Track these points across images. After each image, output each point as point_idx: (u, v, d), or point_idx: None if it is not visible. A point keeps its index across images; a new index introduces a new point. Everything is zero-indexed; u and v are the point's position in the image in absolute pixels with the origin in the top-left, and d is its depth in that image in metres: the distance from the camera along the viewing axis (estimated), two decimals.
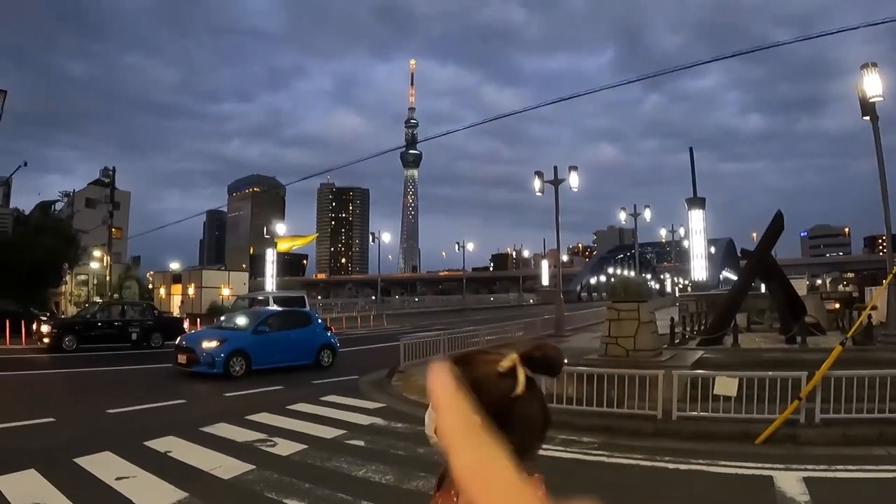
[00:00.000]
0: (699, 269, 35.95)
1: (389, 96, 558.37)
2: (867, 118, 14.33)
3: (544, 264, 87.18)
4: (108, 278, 35.61)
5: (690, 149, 41.11)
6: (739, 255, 54.95)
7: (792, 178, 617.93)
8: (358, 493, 6.53)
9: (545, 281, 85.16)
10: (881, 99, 14.13)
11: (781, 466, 7.20)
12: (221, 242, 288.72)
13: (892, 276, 12.91)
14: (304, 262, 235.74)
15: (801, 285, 22.70)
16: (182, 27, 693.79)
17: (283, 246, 44.91)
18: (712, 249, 54.35)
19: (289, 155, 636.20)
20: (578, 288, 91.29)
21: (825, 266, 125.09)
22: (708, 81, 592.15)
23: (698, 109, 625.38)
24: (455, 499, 1.45)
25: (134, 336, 22.20)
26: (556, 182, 26.37)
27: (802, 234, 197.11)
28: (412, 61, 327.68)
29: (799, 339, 13.28)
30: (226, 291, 40.83)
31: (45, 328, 21.05)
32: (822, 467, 7.17)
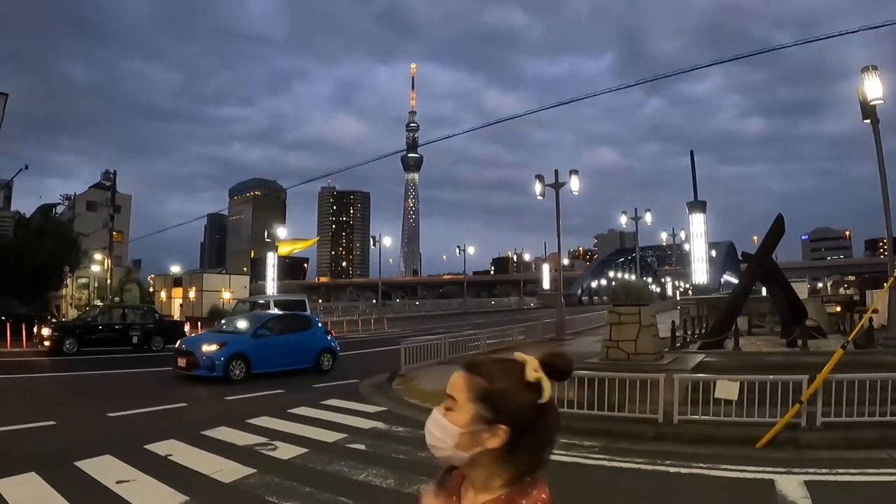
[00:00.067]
0: (700, 273, 35.92)
1: (390, 100, 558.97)
2: (868, 121, 14.33)
3: (545, 268, 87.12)
4: (108, 281, 35.63)
5: (691, 152, 41.03)
6: (740, 258, 54.75)
7: (792, 182, 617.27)
8: (359, 497, 6.53)
9: (546, 284, 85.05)
10: (882, 102, 14.11)
11: (783, 470, 7.19)
12: (222, 246, 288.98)
13: (893, 279, 12.90)
14: (305, 265, 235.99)
15: (802, 288, 22.73)
16: (184, 31, 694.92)
17: (284, 249, 44.91)
18: (713, 253, 54.27)
19: (290, 158, 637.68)
20: (579, 291, 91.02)
21: (826, 269, 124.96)
22: (708, 85, 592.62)
23: (699, 113, 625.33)
24: (457, 503, 1.45)
25: (135, 339, 22.20)
26: (557, 186, 26.40)
27: (803, 237, 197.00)
28: (413, 65, 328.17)
29: (800, 342, 13.24)
30: (226, 295, 40.85)
31: (45, 331, 21.06)
32: (823, 471, 7.16)
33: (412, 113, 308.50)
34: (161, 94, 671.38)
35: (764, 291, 18.76)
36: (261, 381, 14.84)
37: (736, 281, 39.78)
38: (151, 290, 46.10)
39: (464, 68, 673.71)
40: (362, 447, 8.73)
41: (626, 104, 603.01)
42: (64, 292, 36.41)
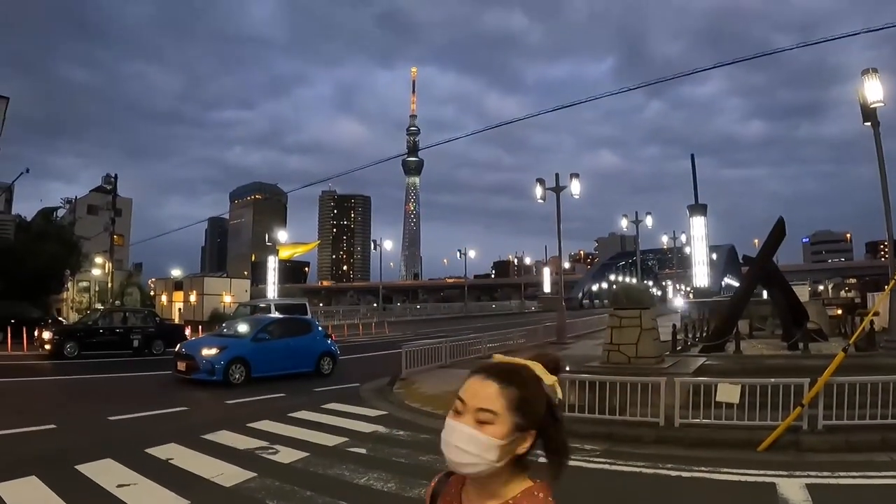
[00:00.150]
0: (701, 276, 35.95)
1: (391, 104, 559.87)
2: (868, 124, 14.33)
3: (546, 271, 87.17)
4: (109, 285, 35.66)
5: (692, 155, 41.12)
6: (741, 261, 54.93)
7: (793, 184, 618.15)
8: (360, 500, 6.52)
9: (547, 288, 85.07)
10: (882, 104, 14.11)
11: (784, 473, 7.18)
12: (223, 249, 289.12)
13: (894, 281, 12.88)
14: (306, 269, 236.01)
15: (803, 291, 22.70)
16: (185, 35, 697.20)
17: (285, 253, 45.00)
18: (714, 256, 54.25)
19: (291, 162, 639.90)
20: (580, 295, 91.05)
21: (827, 272, 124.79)
22: (709, 88, 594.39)
23: (699, 116, 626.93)
24: None
25: (135, 343, 22.19)
26: (558, 189, 26.41)
27: (804, 239, 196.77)
28: (413, 69, 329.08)
29: (801, 345, 13.22)
30: (227, 298, 40.82)
31: (46, 335, 21.06)
32: (825, 474, 7.14)
33: (413, 116, 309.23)
34: (162, 97, 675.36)
35: (765, 294, 18.70)
36: (261, 384, 14.83)
37: (737, 284, 39.72)
38: (152, 293, 46.13)
39: (464, 71, 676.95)
40: (363, 451, 8.72)
41: (626, 107, 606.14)
42: (65, 296, 36.44)
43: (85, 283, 38.25)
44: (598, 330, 26.89)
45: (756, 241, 54.84)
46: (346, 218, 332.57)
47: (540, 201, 27.02)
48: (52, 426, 9.96)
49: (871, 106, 14.07)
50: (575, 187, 26.66)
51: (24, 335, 22.91)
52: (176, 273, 52.03)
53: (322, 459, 8.16)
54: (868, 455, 7.83)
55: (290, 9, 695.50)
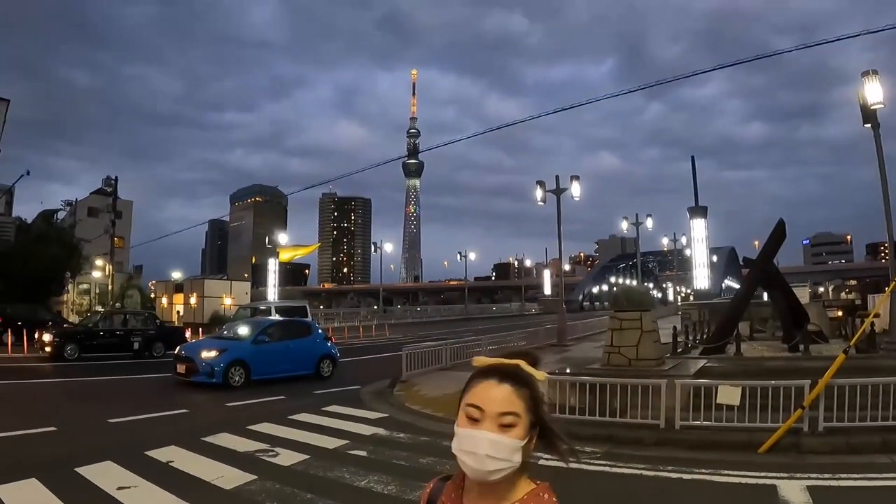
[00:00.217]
0: (701, 278, 35.97)
1: (392, 106, 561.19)
2: (868, 125, 14.35)
3: (546, 273, 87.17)
4: (110, 287, 35.66)
5: (692, 157, 41.34)
6: (741, 263, 54.91)
7: (793, 186, 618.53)
8: (360, 503, 6.52)
9: (547, 290, 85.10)
10: (882, 106, 14.13)
11: (785, 475, 7.17)
12: (223, 252, 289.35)
13: (895, 283, 12.88)
14: (307, 271, 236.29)
15: (803, 293, 22.70)
16: (185, 37, 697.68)
17: (285, 255, 44.94)
18: (714, 258, 54.29)
19: (291, 165, 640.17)
20: (580, 297, 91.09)
21: (827, 274, 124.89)
22: (709, 90, 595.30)
23: (699, 118, 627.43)
24: None
25: (136, 345, 22.19)
26: (558, 191, 26.42)
27: (804, 241, 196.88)
28: (413, 71, 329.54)
29: (802, 347, 13.22)
30: (228, 301, 40.77)
31: (46, 337, 21.07)
32: (825, 476, 7.14)
33: (413, 119, 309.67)
34: (163, 100, 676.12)
35: (765, 296, 18.71)
36: (261, 387, 14.82)
37: (737, 286, 39.72)
38: (152, 296, 46.06)
39: (465, 74, 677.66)
40: (363, 453, 8.71)
41: (626, 109, 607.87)
42: (65, 298, 36.44)
43: (85, 286, 38.26)
44: (598, 332, 26.87)
45: (756, 242, 54.95)
46: (346, 220, 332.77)
47: (540, 203, 27.03)
48: (53, 428, 9.96)
49: (871, 107, 14.10)
50: (575, 189, 26.66)
51: (25, 337, 22.93)
52: (176, 275, 52.02)
53: (322, 462, 8.16)
54: (869, 457, 7.82)
55: (290, 11, 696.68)
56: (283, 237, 46.60)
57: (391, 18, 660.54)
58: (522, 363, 1.44)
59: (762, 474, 7.25)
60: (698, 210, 35.03)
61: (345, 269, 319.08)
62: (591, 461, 8.13)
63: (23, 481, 6.91)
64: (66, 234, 38.09)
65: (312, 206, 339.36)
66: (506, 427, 1.35)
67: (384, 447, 9.13)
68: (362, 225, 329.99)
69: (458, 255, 77.09)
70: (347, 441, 9.44)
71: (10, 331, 23.54)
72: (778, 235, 15.43)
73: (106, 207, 38.21)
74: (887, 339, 13.51)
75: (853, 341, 11.03)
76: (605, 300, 76.14)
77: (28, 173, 35.95)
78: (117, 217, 37.78)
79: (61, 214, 44.38)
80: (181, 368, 15.46)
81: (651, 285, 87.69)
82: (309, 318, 24.95)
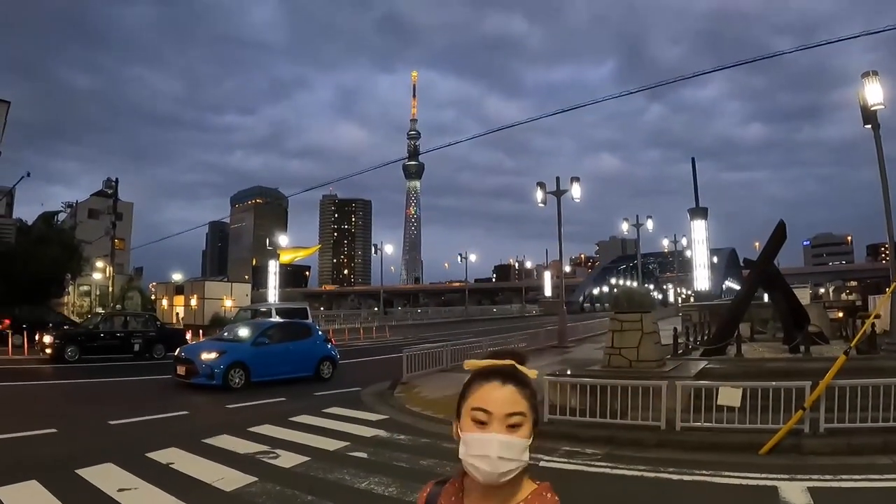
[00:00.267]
0: (702, 279, 35.93)
1: (392, 108, 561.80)
2: (868, 126, 14.35)
3: (547, 275, 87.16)
4: (110, 289, 35.68)
5: (692, 159, 41.27)
6: (742, 264, 54.94)
7: (794, 187, 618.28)
8: None
9: (548, 291, 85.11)
10: (882, 107, 14.14)
11: (786, 476, 7.17)
12: (224, 254, 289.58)
13: (895, 284, 12.88)
14: (307, 273, 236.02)
15: (804, 294, 22.66)
16: (186, 39, 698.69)
17: (286, 257, 44.99)
18: (715, 259, 54.28)
19: (291, 166, 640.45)
20: (581, 298, 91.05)
21: (828, 275, 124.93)
22: (709, 91, 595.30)
23: (700, 119, 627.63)
24: None
25: (136, 347, 22.19)
26: (559, 193, 26.43)
27: (805, 242, 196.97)
28: (414, 72, 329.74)
29: (802, 348, 13.22)
30: (228, 303, 40.82)
31: (47, 339, 21.07)
32: (826, 477, 7.13)
33: (413, 120, 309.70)
34: (163, 102, 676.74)
35: (766, 297, 18.70)
36: (262, 389, 14.82)
37: (738, 287, 39.72)
38: (153, 297, 46.11)
39: (465, 75, 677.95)
40: (364, 455, 8.71)
41: (627, 110, 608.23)
42: (66, 300, 36.45)
43: (86, 287, 38.31)
44: (599, 333, 26.87)
45: (757, 244, 54.92)
46: (346, 222, 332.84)
47: (541, 205, 27.03)
48: (53, 430, 9.95)
49: (872, 108, 14.10)
50: (576, 191, 26.67)
51: (25, 339, 22.94)
52: (177, 277, 52.18)
53: (323, 464, 8.15)
54: (870, 458, 7.81)
55: (290, 13, 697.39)
56: (283, 239, 46.62)
57: (391, 19, 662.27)
58: (514, 363, 1.45)
59: (763, 476, 7.24)
60: (699, 211, 35.01)
61: (345, 271, 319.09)
62: (592, 463, 8.13)
63: (23, 483, 6.91)
64: (67, 236, 38.13)
65: (313, 207, 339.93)
66: (513, 427, 1.36)
67: (385, 449, 9.12)
68: (363, 227, 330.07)
69: (459, 257, 77.22)
70: (348, 443, 9.44)
71: (24, 333, 23.48)
72: (778, 236, 15.42)
73: (106, 209, 38.23)
74: (888, 341, 13.51)
75: (854, 342, 11.03)
76: (606, 302, 76.18)
77: (28, 175, 36.01)
78: (118, 219, 37.77)
79: (62, 216, 44.52)
80: (181, 370, 15.46)
81: (652, 287, 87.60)
82: (309, 320, 24.98)
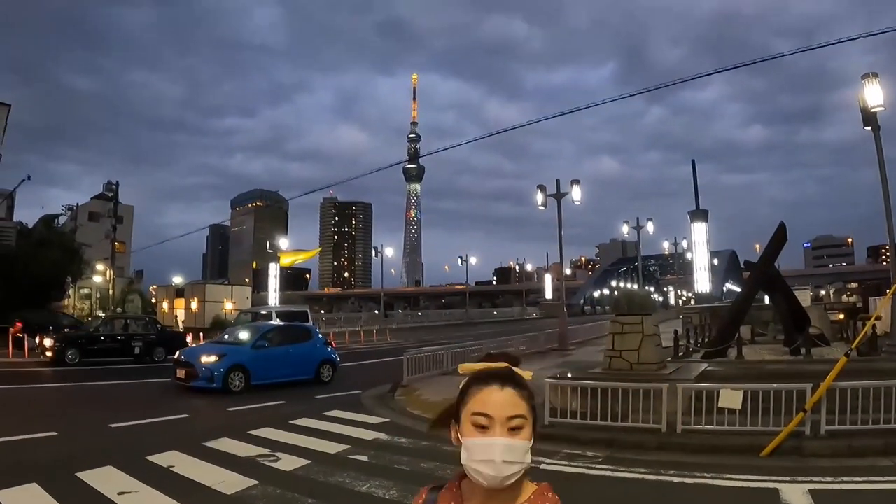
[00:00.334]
0: (702, 282, 35.95)
1: (392, 111, 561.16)
2: (868, 128, 14.36)
3: (547, 278, 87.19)
4: (111, 292, 35.73)
5: (692, 161, 41.25)
6: (742, 266, 54.92)
7: (794, 189, 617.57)
8: None
9: (548, 294, 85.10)
10: (882, 109, 14.15)
11: (787, 479, 7.16)
12: (224, 257, 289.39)
13: None
14: (307, 276, 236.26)
15: (804, 296, 22.65)
16: (186, 43, 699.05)
17: (286, 260, 45.07)
18: (715, 261, 54.22)
19: (292, 169, 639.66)
20: (582, 301, 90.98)
21: (828, 277, 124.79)
22: (709, 93, 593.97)
23: (700, 122, 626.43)
24: None
25: (137, 350, 22.17)
26: (559, 195, 26.46)
27: (805, 244, 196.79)
28: (414, 75, 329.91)
29: (803, 350, 13.23)
30: (229, 306, 40.84)
31: (47, 341, 21.07)
32: (827, 479, 7.13)
33: (413, 123, 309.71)
34: (164, 105, 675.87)
35: (767, 299, 18.71)
36: (261, 392, 14.81)
37: (738, 289, 39.71)
38: (153, 300, 46.14)
39: (465, 78, 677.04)
40: (365, 458, 8.70)
41: (627, 113, 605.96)
42: (66, 303, 36.48)
43: (86, 290, 38.36)
44: (599, 336, 26.84)
45: (757, 246, 55.00)
46: (347, 225, 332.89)
47: (541, 208, 27.06)
48: (54, 433, 9.94)
49: (872, 110, 14.11)
50: (576, 193, 26.69)
51: (26, 342, 22.93)
52: (177, 280, 52.19)
53: (323, 467, 8.14)
54: (871, 460, 7.81)
55: (290, 16, 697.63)
56: (283, 242, 46.63)
57: (391, 23, 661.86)
58: (508, 365, 1.45)
59: (764, 478, 7.24)
60: (699, 213, 35.07)
61: (346, 274, 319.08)
62: (593, 465, 8.12)
63: (23, 486, 6.90)
64: (67, 239, 38.19)
65: (313, 210, 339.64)
66: (514, 430, 1.35)
67: (385, 452, 9.11)
68: (363, 229, 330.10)
69: (459, 260, 77.03)
70: (348, 446, 9.43)
71: (25, 336, 23.50)
72: (779, 238, 15.44)
73: (107, 212, 38.26)
74: (889, 342, 13.50)
75: (855, 344, 11.02)
76: (607, 304, 76.17)
77: (29, 178, 36.16)
78: (118, 222, 37.82)
79: (62, 219, 44.61)
80: (181, 373, 15.44)
81: (652, 289, 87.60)
82: (310, 323, 24.97)
